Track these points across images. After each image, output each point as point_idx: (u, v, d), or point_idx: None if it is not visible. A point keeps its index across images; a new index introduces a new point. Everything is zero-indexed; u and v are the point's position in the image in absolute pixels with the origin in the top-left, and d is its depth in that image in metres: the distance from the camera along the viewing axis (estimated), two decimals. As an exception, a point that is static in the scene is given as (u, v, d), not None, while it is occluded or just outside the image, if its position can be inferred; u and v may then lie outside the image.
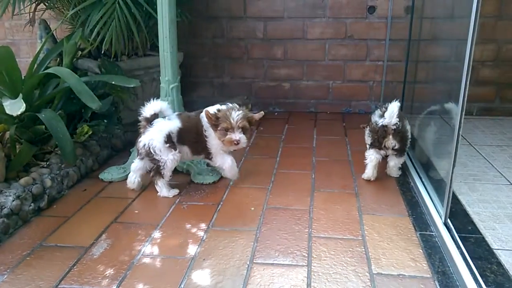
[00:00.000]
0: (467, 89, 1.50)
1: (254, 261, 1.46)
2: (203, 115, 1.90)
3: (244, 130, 1.88)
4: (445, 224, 1.60)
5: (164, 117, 1.93)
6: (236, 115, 1.85)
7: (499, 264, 1.42)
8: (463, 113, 1.53)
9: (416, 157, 2.24)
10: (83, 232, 1.66)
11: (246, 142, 1.91)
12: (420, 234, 1.60)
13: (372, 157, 2.05)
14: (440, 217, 1.63)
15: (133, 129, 2.61)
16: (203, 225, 1.69)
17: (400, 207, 1.81)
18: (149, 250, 1.54)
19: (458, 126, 1.54)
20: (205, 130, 1.91)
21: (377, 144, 2.01)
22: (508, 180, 2.04)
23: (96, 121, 2.34)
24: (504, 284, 1.32)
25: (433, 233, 1.61)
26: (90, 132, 2.19)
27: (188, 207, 1.85)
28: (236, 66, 3.21)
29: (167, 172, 1.90)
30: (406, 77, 2.66)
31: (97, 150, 2.28)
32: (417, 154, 2.26)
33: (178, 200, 1.91)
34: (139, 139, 1.91)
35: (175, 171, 2.14)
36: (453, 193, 1.88)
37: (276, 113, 3.25)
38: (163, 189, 1.94)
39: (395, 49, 3.00)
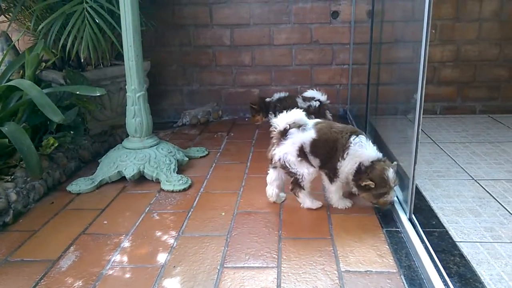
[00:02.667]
0: (423, 88, 1.55)
1: (225, 266, 1.47)
2: (340, 129, 1.78)
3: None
4: (410, 220, 1.65)
5: (299, 127, 1.79)
6: (392, 175, 1.67)
7: (462, 256, 1.47)
8: (421, 111, 1.58)
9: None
10: (51, 245, 1.63)
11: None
12: (386, 230, 1.65)
13: None
14: (405, 213, 1.68)
15: (101, 140, 2.60)
16: (173, 233, 1.69)
17: (366, 206, 1.85)
18: (118, 260, 1.52)
19: (417, 125, 1.59)
20: (345, 153, 1.73)
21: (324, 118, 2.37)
22: (471, 176, 2.11)
23: (62, 132, 2.30)
24: (466, 274, 1.37)
25: (399, 229, 1.66)
26: (56, 144, 2.16)
27: (158, 215, 1.84)
28: (205, 73, 3.23)
29: (307, 183, 1.80)
30: (369, 80, 2.72)
31: (64, 162, 2.24)
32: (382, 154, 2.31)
33: (147, 209, 1.89)
34: (273, 152, 1.83)
35: (144, 179, 2.14)
36: (418, 189, 1.95)
37: (246, 119, 3.27)
38: (306, 200, 1.85)
39: (359, 53, 3.07)
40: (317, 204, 1.85)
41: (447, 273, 1.35)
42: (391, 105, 2.41)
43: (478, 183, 2.03)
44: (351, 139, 1.73)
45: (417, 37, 1.63)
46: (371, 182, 1.65)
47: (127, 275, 1.44)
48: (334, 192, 1.83)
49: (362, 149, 1.71)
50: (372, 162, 1.69)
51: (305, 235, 1.65)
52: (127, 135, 2.28)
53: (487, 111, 3.15)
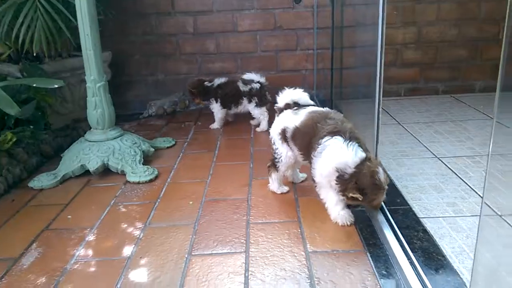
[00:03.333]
0: (382, 69, 1.57)
1: (193, 253, 1.46)
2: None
3: None
4: (375, 198, 1.67)
5: (297, 107, 1.72)
6: (383, 177, 1.45)
7: (425, 231, 1.51)
8: (381, 92, 1.60)
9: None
10: (12, 243, 1.58)
11: None
12: (352, 211, 1.66)
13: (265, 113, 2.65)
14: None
15: (64, 134, 2.52)
16: (139, 224, 1.66)
17: (334, 187, 1.87)
18: (83, 254, 1.48)
19: (377, 105, 1.61)
20: (313, 154, 1.56)
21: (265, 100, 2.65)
22: (433, 154, 2.16)
23: (21, 127, 2.22)
24: (429, 248, 1.40)
25: (364, 209, 1.68)
26: (15, 139, 2.08)
27: (124, 208, 1.80)
28: (169, 62, 3.17)
29: (282, 166, 1.77)
30: (333, 64, 2.74)
31: (25, 158, 2.16)
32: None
33: (113, 201, 1.85)
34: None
35: (109, 171, 2.09)
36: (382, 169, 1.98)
37: (214, 108, 3.24)
38: (274, 183, 1.84)
39: (323, 37, 3.08)
40: (282, 189, 1.85)
41: (410, 248, 1.37)
42: (355, 89, 2.44)
43: (441, 160, 2.08)
44: (323, 140, 1.52)
45: (375, 20, 1.64)
46: (358, 195, 1.43)
47: (92, 269, 1.40)
48: (324, 198, 1.62)
49: (335, 154, 1.48)
50: (356, 167, 1.45)
51: (273, 219, 1.65)
52: (90, 128, 2.22)
53: (449, 91, 3.23)
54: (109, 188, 1.98)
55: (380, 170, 1.45)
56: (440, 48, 3.15)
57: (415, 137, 2.42)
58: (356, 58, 2.53)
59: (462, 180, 1.87)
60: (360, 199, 1.44)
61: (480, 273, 1.06)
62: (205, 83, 2.74)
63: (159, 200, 1.85)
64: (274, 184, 1.85)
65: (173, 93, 3.19)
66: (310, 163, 1.61)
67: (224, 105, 2.74)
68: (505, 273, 0.97)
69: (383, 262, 1.35)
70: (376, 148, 1.61)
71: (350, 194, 1.44)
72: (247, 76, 2.71)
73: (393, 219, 1.54)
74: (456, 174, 1.92)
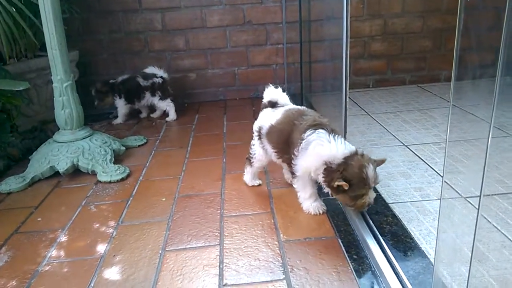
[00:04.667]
0: (348, 61, 1.60)
1: (167, 249, 1.46)
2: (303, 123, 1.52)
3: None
4: (346, 187, 1.71)
5: (274, 106, 1.73)
6: (372, 173, 1.39)
7: (394, 215, 1.55)
8: (348, 84, 1.63)
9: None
10: (-20, 249, 1.54)
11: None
12: (324, 199, 1.70)
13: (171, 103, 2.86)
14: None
15: (31, 136, 2.46)
16: (112, 223, 1.65)
17: (306, 178, 1.90)
18: (55, 255, 1.46)
19: (344, 96, 1.64)
20: (296, 150, 1.50)
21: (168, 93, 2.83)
22: (401, 142, 2.22)
23: (-14, 131, 2.16)
24: (398, 232, 1.45)
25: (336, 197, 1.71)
26: (-21, 143, 2.02)
27: (95, 207, 1.78)
28: (138, 60, 3.13)
29: (255, 163, 1.78)
30: (302, 58, 2.77)
31: (-9, 162, 2.11)
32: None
33: (84, 202, 1.83)
34: None
35: (79, 172, 2.06)
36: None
37: (185, 105, 3.23)
38: (247, 175, 1.87)
39: (293, 31, 3.11)
40: (254, 182, 1.87)
41: (380, 233, 1.41)
42: (324, 82, 2.48)
43: (409, 148, 2.14)
44: (305, 134, 1.47)
45: (340, 13, 1.67)
46: (344, 183, 1.35)
47: (65, 269, 1.39)
48: (300, 190, 1.61)
49: (321, 147, 1.44)
50: (345, 158, 1.40)
51: (247, 212, 1.66)
52: (59, 129, 2.18)
53: (416, 81, 3.31)
54: (79, 188, 1.95)
55: (370, 166, 1.38)
56: (406, 40, 3.23)
57: (383, 126, 2.47)
58: (324, 51, 2.57)
59: (429, 165, 1.93)
60: (346, 187, 1.36)
61: (444, 252, 1.10)
62: (110, 81, 2.85)
63: (131, 198, 1.84)
64: (247, 176, 1.87)
65: (144, 91, 3.15)
66: (287, 161, 1.57)
67: (128, 100, 2.86)
68: (467, 249, 1.02)
69: (354, 247, 1.39)
70: (345, 139, 1.64)
71: (336, 183, 1.36)
72: (149, 70, 2.86)
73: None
74: (423, 160, 1.98)
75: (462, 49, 0.96)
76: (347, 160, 1.40)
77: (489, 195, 1.65)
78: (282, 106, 1.71)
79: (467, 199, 1.57)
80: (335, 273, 1.27)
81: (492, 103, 0.83)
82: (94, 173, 2.05)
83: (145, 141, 2.48)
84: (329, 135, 1.45)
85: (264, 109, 1.77)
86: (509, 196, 1.62)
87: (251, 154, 1.79)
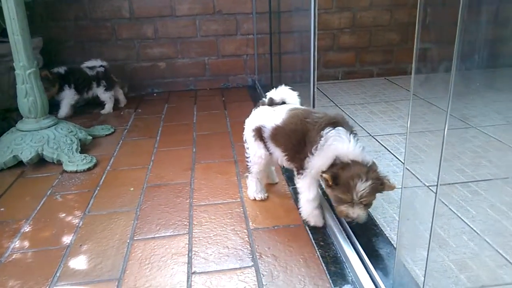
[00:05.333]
0: (315, 53, 1.62)
1: (135, 238, 1.44)
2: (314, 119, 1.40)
3: (366, 205, 1.31)
4: (314, 176, 1.74)
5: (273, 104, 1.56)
6: (362, 188, 1.25)
7: (360, 203, 1.59)
8: (315, 75, 1.65)
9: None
10: None
11: (365, 218, 1.32)
12: (292, 188, 1.72)
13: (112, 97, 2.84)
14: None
15: (-7, 125, 2.37)
16: (78, 213, 1.62)
17: (275, 168, 1.92)
18: (18, 246, 1.43)
19: (312, 87, 1.66)
20: (314, 148, 1.35)
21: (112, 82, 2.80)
22: (368, 132, 2.27)
23: None
24: (364, 219, 1.48)
25: (304, 186, 1.74)
26: None
27: (61, 197, 1.74)
28: (105, 48, 3.06)
29: (253, 167, 1.59)
30: (271, 49, 2.78)
31: (-51, 151, 2.02)
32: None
33: (49, 191, 1.79)
34: None
35: (44, 161, 2.01)
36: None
37: (155, 94, 3.19)
38: (251, 185, 1.65)
39: (263, 22, 3.11)
40: (259, 196, 1.64)
41: (346, 220, 1.45)
42: (294, 73, 2.49)
43: (375, 138, 2.19)
44: (324, 131, 1.33)
45: (308, 5, 1.68)
46: (328, 177, 1.28)
47: (29, 260, 1.36)
48: (304, 191, 1.45)
49: (338, 142, 1.31)
50: (353, 161, 1.28)
51: (216, 201, 1.67)
52: (22, 118, 2.11)
53: (383, 74, 3.38)
54: (44, 178, 1.91)
55: (367, 182, 1.24)
56: (374, 33, 3.28)
57: (351, 117, 2.52)
58: (294, 43, 2.58)
59: (394, 155, 1.98)
60: (329, 182, 1.28)
61: (407, 238, 1.14)
62: (54, 70, 2.69)
63: (98, 188, 1.81)
64: (251, 188, 1.66)
65: (111, 80, 3.09)
66: (299, 161, 1.42)
67: (78, 91, 2.74)
68: (428, 235, 1.06)
69: (321, 234, 1.42)
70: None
71: (324, 175, 1.29)
72: (89, 63, 2.80)
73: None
74: (388, 151, 2.04)
75: (428, 42, 0.99)
76: (354, 164, 1.27)
77: (450, 183, 1.71)
78: (282, 104, 1.56)
79: (429, 187, 1.63)
80: (303, 259, 1.29)
81: (448, 96, 0.86)
82: (59, 163, 2.00)
83: (113, 130, 2.44)
84: (349, 134, 1.33)
85: (260, 107, 1.59)
86: (469, 185, 1.69)
87: (247, 159, 1.61)
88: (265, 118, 1.52)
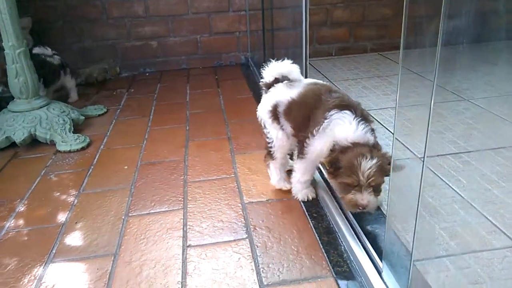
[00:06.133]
0: (307, 28, 1.61)
1: (130, 214, 1.46)
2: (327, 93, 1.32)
3: (376, 188, 1.20)
4: (307, 150, 1.75)
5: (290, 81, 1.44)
6: (368, 166, 1.16)
7: (353, 176, 1.60)
8: (308, 50, 1.64)
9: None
10: None
11: (376, 206, 1.23)
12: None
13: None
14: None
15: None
16: (73, 191, 1.62)
17: (268, 143, 1.93)
18: (14, 225, 1.44)
19: (305, 62, 1.65)
20: (316, 129, 1.28)
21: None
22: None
23: None
24: (356, 191, 1.50)
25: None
26: None
27: (55, 177, 1.75)
28: (96, 27, 3.02)
29: (276, 152, 1.48)
30: (264, 25, 2.75)
31: None
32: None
33: (43, 171, 1.79)
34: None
35: (37, 142, 2.01)
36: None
37: (147, 74, 3.17)
38: (273, 173, 1.53)
39: (255, -2, 3.07)
40: (283, 185, 1.53)
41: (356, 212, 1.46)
42: (287, 50, 2.47)
43: (368, 113, 2.19)
44: (329, 113, 1.25)
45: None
46: (326, 161, 1.23)
47: (25, 238, 1.37)
48: (298, 172, 1.43)
49: (339, 126, 1.24)
50: (353, 143, 1.20)
51: (210, 177, 1.68)
52: (13, 98, 2.09)
53: (377, 49, 3.36)
54: (38, 159, 1.91)
55: (373, 160, 1.16)
56: (367, 7, 3.25)
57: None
58: (286, 18, 2.55)
59: (386, 129, 1.99)
60: (328, 167, 1.24)
61: (398, 207, 1.16)
62: None
63: (92, 167, 1.81)
64: (273, 175, 1.54)
65: (103, 60, 3.06)
66: (301, 139, 1.35)
67: (46, 84, 2.38)
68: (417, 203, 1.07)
69: (314, 206, 1.43)
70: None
71: (323, 160, 1.26)
72: (39, 50, 2.43)
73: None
74: (381, 124, 2.04)
75: (419, 17, 0.98)
76: (355, 145, 1.19)
77: (442, 154, 1.72)
78: (293, 80, 1.44)
79: (421, 158, 1.64)
80: (296, 231, 1.31)
81: (434, 68, 0.86)
82: (53, 143, 1.99)
83: (105, 110, 2.43)
84: (354, 118, 1.23)
85: (272, 87, 1.47)
86: (461, 155, 1.70)
87: (268, 144, 1.49)
88: (281, 94, 1.42)
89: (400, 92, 1.08)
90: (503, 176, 1.53)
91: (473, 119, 2.02)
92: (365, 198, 1.18)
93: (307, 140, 1.31)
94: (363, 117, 1.26)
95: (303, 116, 1.35)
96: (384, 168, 1.17)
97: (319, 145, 1.29)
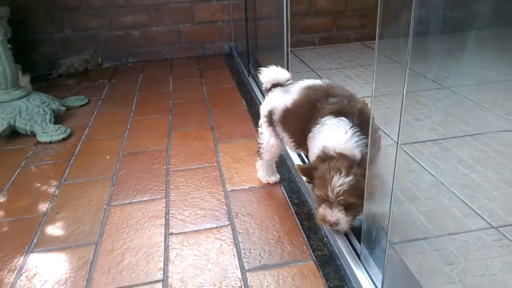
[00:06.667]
0: (288, 16, 1.61)
1: (112, 204, 1.45)
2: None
3: (348, 208, 1.10)
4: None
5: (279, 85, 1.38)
6: (340, 183, 1.07)
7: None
8: (289, 40, 1.65)
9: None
10: None
11: (347, 226, 1.12)
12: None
13: None
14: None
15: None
16: (54, 182, 1.61)
17: (251, 132, 1.93)
18: (-7, 216, 1.42)
19: (286, 53, 1.66)
20: (309, 136, 1.22)
21: None
22: (344, 96, 2.29)
23: None
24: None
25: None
26: None
27: (36, 168, 1.73)
28: (76, 17, 2.97)
29: (264, 154, 1.44)
30: (247, 14, 2.73)
31: None
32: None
33: (24, 162, 1.77)
34: None
35: (17, 133, 1.98)
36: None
37: (129, 64, 3.13)
38: (259, 169, 1.53)
39: (237, -13, 3.06)
40: (270, 179, 1.52)
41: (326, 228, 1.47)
42: (270, 39, 2.47)
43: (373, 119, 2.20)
44: (324, 119, 1.17)
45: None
46: (297, 167, 1.19)
47: (5, 228, 1.35)
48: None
49: (329, 131, 1.15)
50: (338, 154, 1.10)
51: (193, 166, 1.68)
52: (-9, 89, 2.06)
53: (359, 39, 3.38)
54: (18, 150, 1.88)
55: (347, 178, 1.06)
56: (350, -3, 3.26)
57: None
58: (269, 7, 2.54)
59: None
60: (299, 171, 1.18)
61: (377, 192, 1.18)
62: None
63: (73, 157, 1.79)
64: (260, 171, 1.54)
65: (84, 50, 3.02)
66: (306, 149, 1.28)
67: None
68: (398, 191, 1.09)
69: (295, 193, 1.45)
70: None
71: (297, 165, 1.21)
72: None
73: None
74: (363, 112, 2.06)
75: (394, 7, 0.98)
76: (339, 157, 1.10)
77: (422, 141, 1.75)
78: (288, 85, 1.37)
79: (401, 145, 1.66)
80: (278, 217, 1.32)
81: (406, 54, 0.87)
82: (33, 134, 1.97)
83: (87, 101, 2.40)
84: (351, 128, 1.13)
85: (270, 92, 1.41)
86: (440, 142, 1.73)
87: (259, 144, 1.46)
88: (276, 100, 1.35)
89: (380, 81, 1.09)
90: (480, 161, 1.56)
91: (453, 107, 2.05)
92: (334, 215, 1.09)
93: (308, 149, 1.25)
94: (361, 127, 1.14)
95: (300, 127, 1.26)
96: (361, 188, 1.06)
97: (311, 149, 1.22)
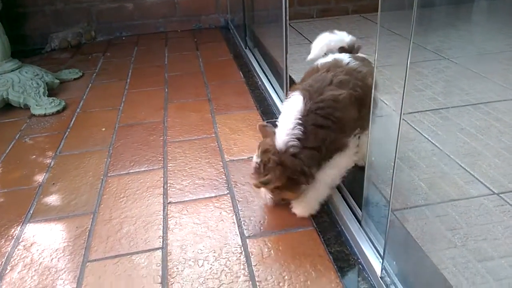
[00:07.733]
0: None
1: (109, 175, 1.43)
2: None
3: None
4: (287, 108, 1.73)
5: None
6: (254, 161, 1.16)
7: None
8: (287, 11, 1.60)
9: (261, 58, 2.34)
10: None
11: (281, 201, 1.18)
12: (267, 121, 1.71)
13: None
14: (281, 102, 1.76)
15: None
16: (49, 153, 1.58)
17: (249, 103, 1.90)
18: (-12, 188, 1.40)
19: (284, 26, 1.62)
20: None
21: None
22: (343, 68, 2.25)
23: None
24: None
25: (277, 119, 1.73)
26: None
27: (31, 140, 1.70)
28: (68, -12, 2.89)
29: None
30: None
31: None
32: (261, 56, 2.35)
33: (18, 135, 1.74)
34: None
35: (10, 106, 1.95)
36: (293, 81, 2.04)
37: (123, 38, 3.07)
38: None
39: (233, -43, 2.97)
40: None
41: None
42: (267, 11, 2.42)
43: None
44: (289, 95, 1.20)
45: None
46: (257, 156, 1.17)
47: (1, 200, 1.33)
48: None
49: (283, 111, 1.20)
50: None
51: (190, 137, 1.65)
52: (-18, 62, 2.01)
53: (358, 11, 3.31)
54: (12, 123, 1.85)
55: (256, 159, 1.13)
56: (348, -33, 3.18)
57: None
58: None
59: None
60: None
61: (377, 161, 1.16)
62: None
63: (69, 129, 1.76)
64: None
65: (77, 23, 2.95)
66: None
67: None
68: (398, 160, 1.08)
69: (295, 162, 1.43)
70: (286, 66, 1.64)
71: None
72: None
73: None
74: (362, 83, 2.03)
75: None
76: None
77: (422, 111, 1.73)
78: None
79: (404, 116, 1.64)
80: (277, 185, 1.31)
81: (411, 26, 0.84)
82: (27, 107, 1.93)
83: (81, 74, 2.35)
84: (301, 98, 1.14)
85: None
86: (441, 111, 1.71)
87: None
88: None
89: (381, 52, 1.06)
90: (481, 129, 1.54)
91: (453, 77, 2.02)
92: (265, 196, 1.16)
93: None
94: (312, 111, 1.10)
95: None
96: (260, 171, 1.10)
97: None
